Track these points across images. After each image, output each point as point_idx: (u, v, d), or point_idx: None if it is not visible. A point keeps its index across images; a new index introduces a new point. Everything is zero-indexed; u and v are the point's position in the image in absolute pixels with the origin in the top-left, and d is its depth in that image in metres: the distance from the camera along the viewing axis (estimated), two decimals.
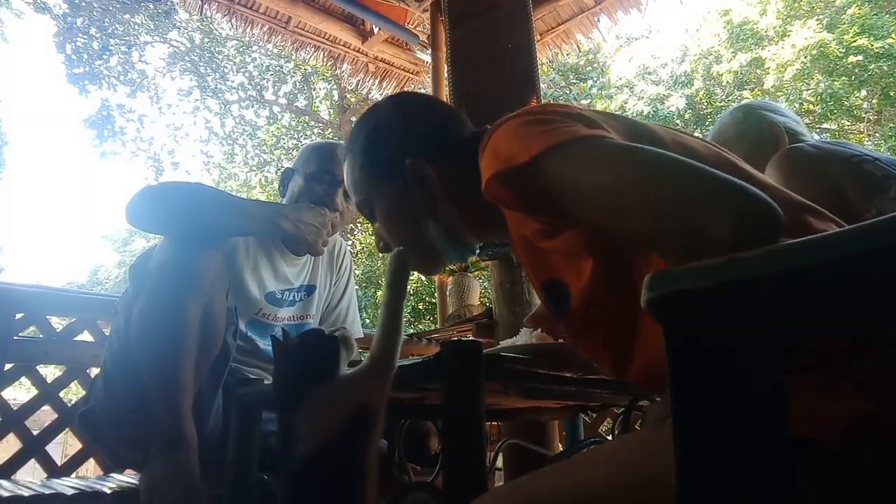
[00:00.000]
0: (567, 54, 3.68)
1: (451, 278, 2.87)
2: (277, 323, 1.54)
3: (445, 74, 2.50)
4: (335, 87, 12.43)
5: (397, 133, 0.91)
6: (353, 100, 12.23)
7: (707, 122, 11.46)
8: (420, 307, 10.56)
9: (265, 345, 1.52)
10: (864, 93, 10.90)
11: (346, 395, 0.80)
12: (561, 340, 1.05)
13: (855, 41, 9.89)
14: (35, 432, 1.63)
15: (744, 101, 1.82)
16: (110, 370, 1.30)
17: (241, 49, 12.73)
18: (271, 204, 1.34)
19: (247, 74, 13.18)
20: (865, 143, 10.61)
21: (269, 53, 12.45)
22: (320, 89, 13.18)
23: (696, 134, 0.77)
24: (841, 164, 1.24)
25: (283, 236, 1.36)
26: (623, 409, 1.00)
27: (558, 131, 0.64)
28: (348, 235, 11.44)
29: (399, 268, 0.83)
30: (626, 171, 0.59)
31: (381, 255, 11.72)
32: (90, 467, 2.05)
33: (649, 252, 0.65)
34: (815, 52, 10.25)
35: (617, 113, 0.76)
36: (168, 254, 1.22)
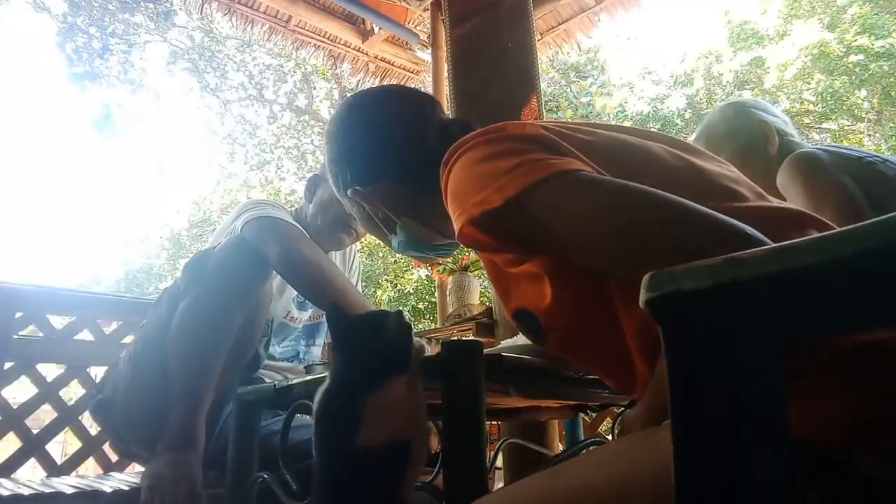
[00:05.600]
0: (567, 53, 3.67)
1: (450, 278, 2.87)
2: (298, 325, 1.58)
3: (445, 74, 2.50)
4: (335, 86, 12.42)
5: (336, 166, 0.92)
6: None
7: None
8: (420, 307, 10.55)
9: (283, 347, 1.57)
10: (864, 92, 10.90)
11: (413, 402, 0.74)
12: None
13: (856, 41, 9.89)
14: (35, 431, 1.63)
15: (732, 99, 1.81)
16: (141, 358, 1.31)
17: (241, 48, 12.73)
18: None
19: (247, 73, 13.18)
20: (865, 142, 10.60)
21: (270, 52, 12.45)
22: (320, 88, 13.18)
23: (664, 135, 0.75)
24: (855, 167, 1.23)
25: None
26: (623, 409, 1.00)
27: (529, 167, 0.61)
28: None
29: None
30: (598, 212, 0.59)
31: (380, 254, 11.73)
32: (90, 466, 2.05)
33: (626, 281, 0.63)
34: (815, 51, 10.25)
35: (577, 121, 0.74)
36: (228, 261, 1.24)
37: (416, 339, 0.82)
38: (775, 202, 0.67)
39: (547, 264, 0.67)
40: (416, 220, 0.87)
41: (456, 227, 0.67)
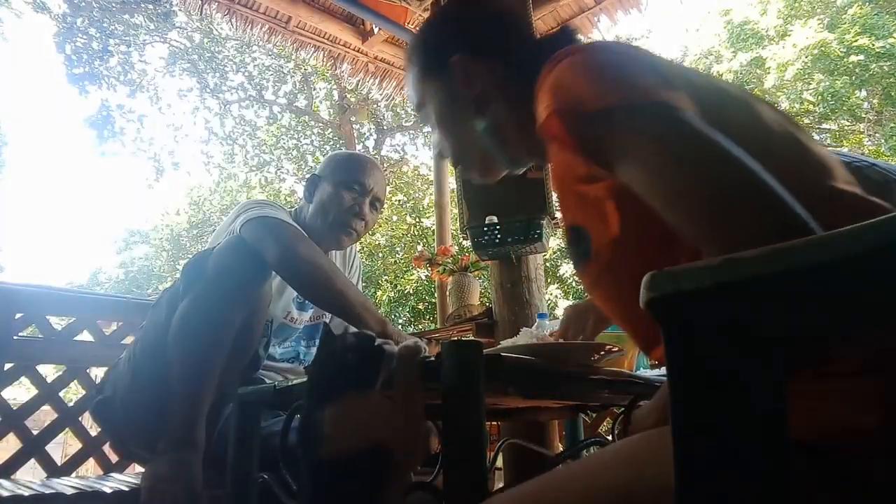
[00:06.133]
0: None
1: (451, 278, 2.87)
2: (299, 326, 1.58)
3: None
4: (335, 86, 12.42)
5: (447, 30, 0.90)
6: (353, 100, 12.23)
7: None
8: (420, 307, 10.55)
9: (284, 348, 1.56)
10: (864, 93, 10.90)
11: (375, 417, 0.78)
12: (561, 340, 1.06)
13: (856, 41, 9.89)
14: (35, 432, 1.63)
15: None
16: (140, 359, 1.31)
17: (240, 49, 12.73)
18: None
19: (247, 74, 13.18)
20: (865, 143, 10.61)
21: (269, 53, 12.45)
22: (320, 89, 13.18)
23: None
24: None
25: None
26: (623, 409, 1.00)
27: (637, 87, 0.60)
28: None
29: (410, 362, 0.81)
30: (684, 163, 0.56)
31: (380, 254, 11.73)
32: (90, 467, 2.05)
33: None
34: (815, 51, 10.25)
35: (689, 68, 0.71)
36: (227, 261, 1.23)
37: (413, 340, 0.83)
38: (861, 192, 0.63)
39: (616, 189, 0.65)
40: (510, 109, 0.83)
41: (541, 115, 0.66)
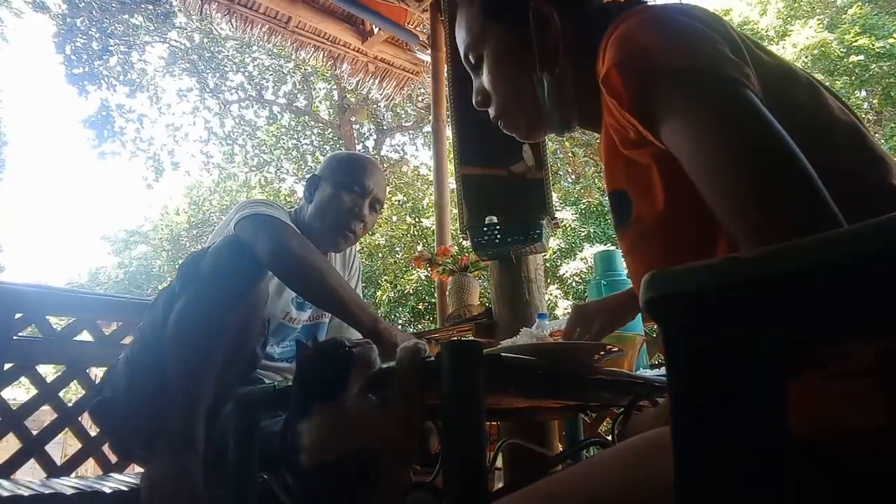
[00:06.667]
0: None
1: (450, 278, 2.86)
2: (297, 326, 1.58)
3: (445, 74, 2.50)
4: (335, 87, 12.42)
5: None
6: (352, 100, 12.23)
7: None
8: (420, 307, 10.54)
9: (283, 347, 1.56)
10: (864, 93, 10.90)
11: (353, 422, 0.79)
12: (560, 340, 1.06)
13: (856, 41, 9.89)
14: (34, 432, 1.63)
15: None
16: (138, 360, 1.31)
17: (240, 49, 12.72)
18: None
19: (246, 74, 13.17)
20: None
21: (269, 53, 12.45)
22: (320, 89, 13.17)
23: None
24: None
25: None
26: (623, 409, 1.00)
27: (706, 54, 0.59)
28: None
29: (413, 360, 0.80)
30: (734, 138, 0.55)
31: (380, 254, 11.73)
32: (90, 467, 2.05)
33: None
34: (815, 51, 10.25)
35: (763, 46, 0.69)
36: (222, 260, 1.23)
37: (413, 340, 0.83)
38: None
39: (660, 158, 0.64)
40: (575, 69, 0.79)
41: (604, 67, 0.64)
